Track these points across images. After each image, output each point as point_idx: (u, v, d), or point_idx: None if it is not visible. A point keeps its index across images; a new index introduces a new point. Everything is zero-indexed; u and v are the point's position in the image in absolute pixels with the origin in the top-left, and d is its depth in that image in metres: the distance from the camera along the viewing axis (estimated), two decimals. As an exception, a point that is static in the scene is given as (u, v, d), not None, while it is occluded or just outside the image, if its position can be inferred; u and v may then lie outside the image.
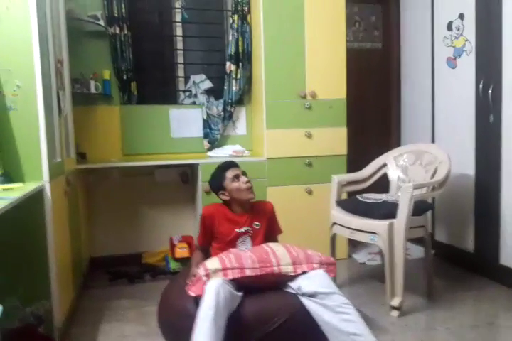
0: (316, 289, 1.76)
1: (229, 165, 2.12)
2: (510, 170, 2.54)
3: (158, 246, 3.15)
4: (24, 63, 1.86)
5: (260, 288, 1.83)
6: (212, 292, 1.65)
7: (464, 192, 2.88)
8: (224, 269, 1.75)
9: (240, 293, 1.77)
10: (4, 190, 1.69)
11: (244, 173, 2.10)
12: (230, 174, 2.06)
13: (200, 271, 1.77)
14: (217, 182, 2.10)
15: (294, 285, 1.83)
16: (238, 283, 1.78)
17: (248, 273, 1.76)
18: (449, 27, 3.00)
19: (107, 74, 3.03)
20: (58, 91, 2.23)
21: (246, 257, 1.80)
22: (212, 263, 1.79)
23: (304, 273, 1.84)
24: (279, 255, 1.83)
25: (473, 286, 2.64)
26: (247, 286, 1.80)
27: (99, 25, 2.94)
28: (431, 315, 2.30)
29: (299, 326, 1.79)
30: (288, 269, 1.82)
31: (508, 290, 2.55)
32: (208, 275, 1.74)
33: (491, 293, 2.54)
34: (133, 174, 3.10)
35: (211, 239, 2.12)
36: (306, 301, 1.78)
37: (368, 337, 1.68)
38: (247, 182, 2.04)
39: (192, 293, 1.76)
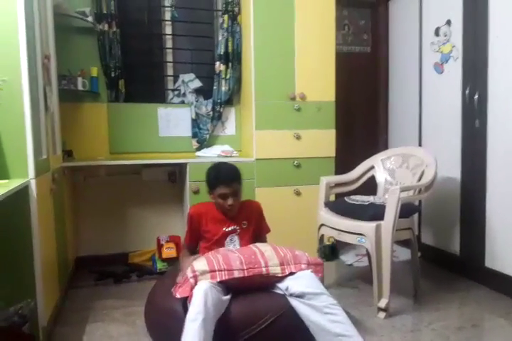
0: (304, 289, 1.76)
1: (224, 180, 2.00)
2: (495, 174, 2.58)
3: (145, 246, 3.12)
4: (10, 57, 1.82)
5: (248, 289, 1.82)
6: (200, 296, 1.63)
7: (450, 195, 2.91)
8: (211, 271, 1.73)
9: (227, 297, 1.75)
10: (-11, 186, 1.65)
11: (234, 194, 2.01)
12: (220, 190, 2.00)
13: (188, 273, 1.75)
14: (208, 185, 2.08)
15: (282, 286, 1.82)
16: (226, 285, 1.77)
17: (236, 274, 1.74)
18: (437, 33, 3.05)
19: (94, 71, 2.99)
20: (45, 87, 2.19)
21: (234, 258, 1.79)
22: (200, 264, 1.77)
23: (291, 273, 1.83)
24: (267, 256, 1.83)
25: (459, 288, 2.67)
26: (235, 287, 1.79)
27: (88, 21, 2.91)
28: (417, 316, 2.32)
29: (287, 326, 1.78)
30: (276, 270, 1.81)
31: (492, 293, 2.58)
32: (195, 278, 1.72)
33: (476, 295, 2.57)
34: (120, 173, 3.06)
35: (198, 239, 2.10)
36: (294, 302, 1.78)
37: (355, 338, 1.69)
38: (230, 205, 2.00)
39: (178, 295, 1.74)
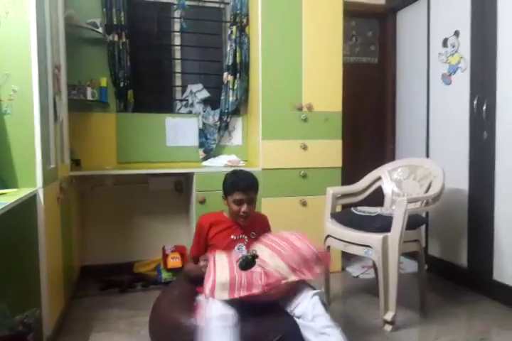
0: (304, 311, 1.73)
1: (243, 186, 1.99)
2: (503, 186, 2.56)
3: (150, 255, 3.12)
4: (21, 68, 1.86)
5: (261, 304, 1.79)
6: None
7: (458, 207, 2.89)
8: (231, 285, 1.67)
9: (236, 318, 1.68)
10: (-3, 194, 1.67)
11: (249, 201, 1.99)
12: (236, 195, 1.98)
13: (206, 286, 1.69)
14: (224, 190, 2.06)
15: (288, 307, 1.79)
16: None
17: (255, 290, 1.68)
18: (445, 44, 3.05)
19: (103, 81, 3.02)
20: (55, 96, 2.22)
21: (256, 274, 1.72)
22: (222, 276, 1.71)
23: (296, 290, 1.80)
24: (280, 267, 1.77)
25: (466, 301, 2.63)
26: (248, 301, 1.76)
27: (98, 32, 2.95)
28: (424, 329, 2.29)
29: None
30: (292, 278, 1.75)
31: (500, 306, 2.54)
32: (212, 290, 1.66)
33: (484, 308, 2.54)
34: (127, 182, 3.07)
35: (205, 249, 2.09)
36: (297, 322, 1.75)
37: None
38: (245, 212, 1.98)
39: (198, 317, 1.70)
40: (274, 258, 1.79)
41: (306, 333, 1.72)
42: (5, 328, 1.57)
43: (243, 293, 1.67)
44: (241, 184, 2.00)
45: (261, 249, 1.84)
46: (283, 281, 1.72)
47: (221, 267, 1.76)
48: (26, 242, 1.84)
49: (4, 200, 1.53)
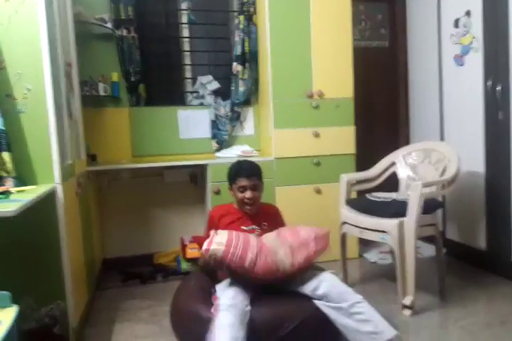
0: (327, 291, 1.75)
1: (245, 173, 2.03)
2: (520, 167, 2.53)
3: (169, 247, 3.17)
4: (34, 67, 1.88)
5: (271, 288, 1.82)
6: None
7: (475, 189, 2.86)
8: (227, 247, 1.72)
9: (248, 308, 1.72)
10: (17, 192, 1.71)
11: (253, 187, 2.02)
12: (240, 182, 2.02)
13: (204, 244, 1.76)
14: (229, 180, 2.10)
15: (306, 289, 1.81)
16: (247, 284, 1.77)
17: (247, 264, 1.71)
18: (456, 24, 2.99)
19: (115, 76, 3.05)
20: (68, 94, 2.25)
21: (253, 247, 1.76)
22: (219, 237, 1.78)
23: (303, 269, 1.81)
24: (279, 255, 1.79)
25: (486, 284, 2.62)
26: (256, 285, 1.79)
27: (107, 27, 2.96)
28: (443, 313, 2.29)
29: (312, 330, 1.75)
30: (285, 265, 1.78)
31: (520, 288, 2.53)
32: (209, 243, 1.73)
33: (504, 291, 2.52)
34: (143, 175, 3.11)
35: None
36: (321, 306, 1.76)
37: (387, 333, 1.68)
38: (249, 198, 2.00)
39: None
40: (276, 241, 1.83)
41: (334, 315, 1.72)
42: (32, 321, 1.62)
43: (238, 251, 1.71)
44: (243, 171, 2.04)
45: (268, 235, 1.91)
46: (274, 266, 1.74)
47: (221, 235, 1.81)
48: (48, 237, 1.88)
49: (24, 197, 1.56)
